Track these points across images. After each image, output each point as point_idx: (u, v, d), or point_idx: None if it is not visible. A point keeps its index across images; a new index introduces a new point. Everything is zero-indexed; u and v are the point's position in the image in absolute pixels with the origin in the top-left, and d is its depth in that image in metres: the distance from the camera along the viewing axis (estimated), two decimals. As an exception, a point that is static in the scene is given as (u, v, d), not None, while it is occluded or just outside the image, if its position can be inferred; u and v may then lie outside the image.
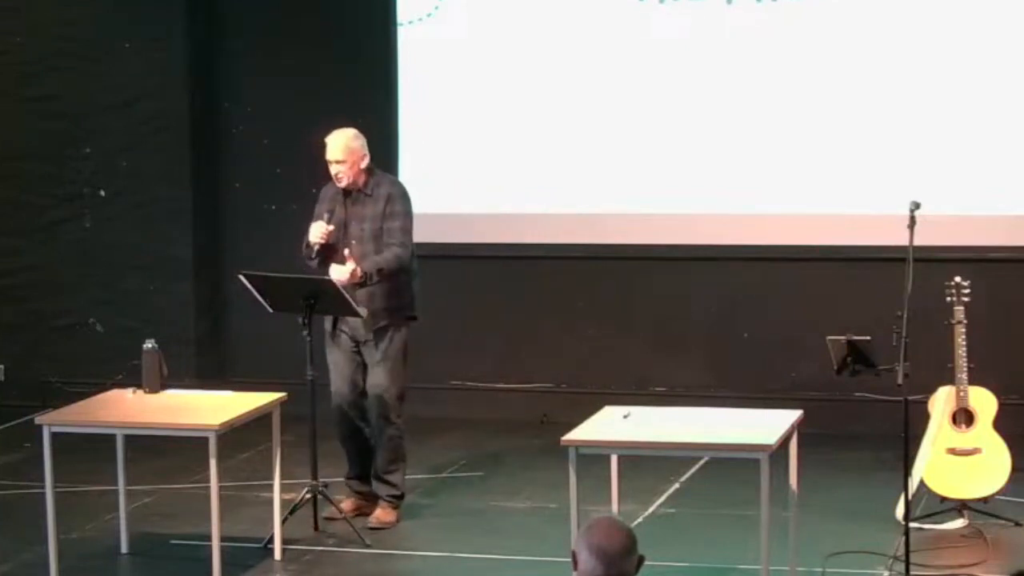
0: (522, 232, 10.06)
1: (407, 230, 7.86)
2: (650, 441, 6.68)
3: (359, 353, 7.94)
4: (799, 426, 6.85)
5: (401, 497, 8.05)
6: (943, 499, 7.74)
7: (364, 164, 7.86)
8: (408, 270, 7.92)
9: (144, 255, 10.59)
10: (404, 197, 7.92)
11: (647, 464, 8.15)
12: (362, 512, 8.02)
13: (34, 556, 7.43)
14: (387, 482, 8.00)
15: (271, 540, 7.49)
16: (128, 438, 7.66)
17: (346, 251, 7.76)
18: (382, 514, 7.96)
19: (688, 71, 9.79)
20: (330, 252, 7.84)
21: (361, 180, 7.86)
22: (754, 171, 9.74)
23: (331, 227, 7.79)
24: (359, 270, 7.71)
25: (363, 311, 7.79)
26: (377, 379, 7.89)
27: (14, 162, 10.72)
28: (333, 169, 7.84)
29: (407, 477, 8.17)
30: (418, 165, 10.09)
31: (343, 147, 7.82)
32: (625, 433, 6.71)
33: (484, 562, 7.47)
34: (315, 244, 7.80)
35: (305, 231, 7.95)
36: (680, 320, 10.00)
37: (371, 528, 7.84)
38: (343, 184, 7.84)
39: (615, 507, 6.89)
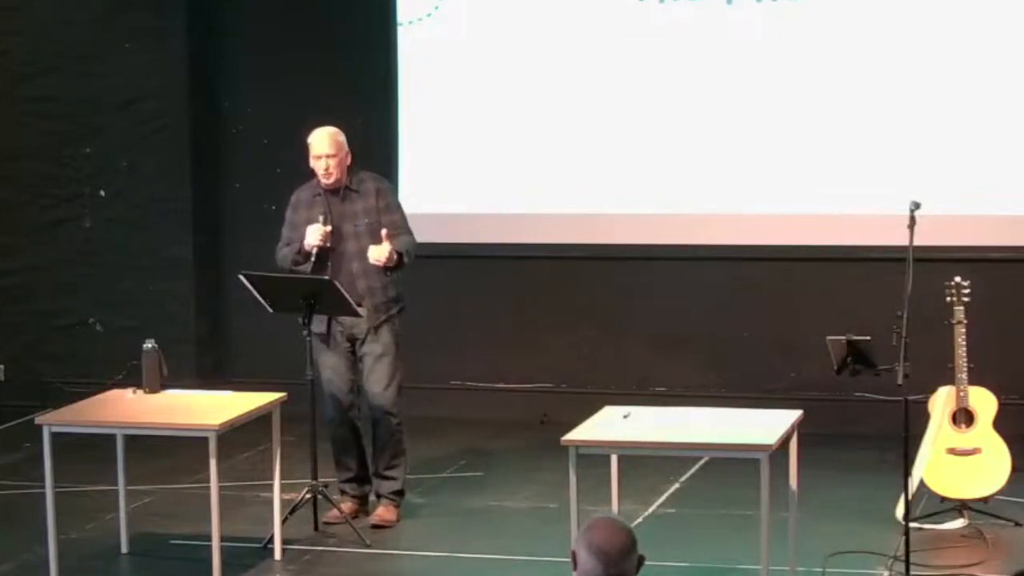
0: (522, 232, 10.05)
1: (405, 219, 7.94)
2: (650, 441, 6.68)
3: (353, 352, 7.94)
4: (799, 426, 6.85)
5: (402, 493, 8.04)
6: (943, 499, 7.74)
7: (348, 160, 7.89)
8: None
9: (144, 255, 10.59)
10: (393, 191, 8.03)
11: (647, 464, 8.15)
12: (359, 516, 8.00)
13: (34, 556, 7.43)
14: (389, 478, 7.99)
15: (271, 540, 7.48)
16: (128, 438, 7.67)
17: (383, 231, 7.74)
18: (384, 512, 7.96)
19: (688, 71, 9.79)
20: (323, 254, 7.82)
21: (344, 177, 7.87)
22: (754, 171, 9.74)
23: (328, 228, 7.79)
24: (393, 253, 7.72)
25: (363, 311, 7.80)
26: (379, 375, 7.89)
27: (14, 162, 10.72)
28: (323, 164, 7.83)
29: (407, 476, 8.18)
30: (418, 165, 10.09)
31: (332, 141, 7.85)
32: (625, 433, 6.70)
33: (484, 562, 7.47)
34: (312, 247, 7.79)
35: (278, 238, 7.96)
36: (680, 320, 10.00)
37: (374, 526, 7.84)
38: (331, 180, 7.83)
39: (615, 507, 6.89)
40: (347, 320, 7.85)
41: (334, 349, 7.94)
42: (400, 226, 7.87)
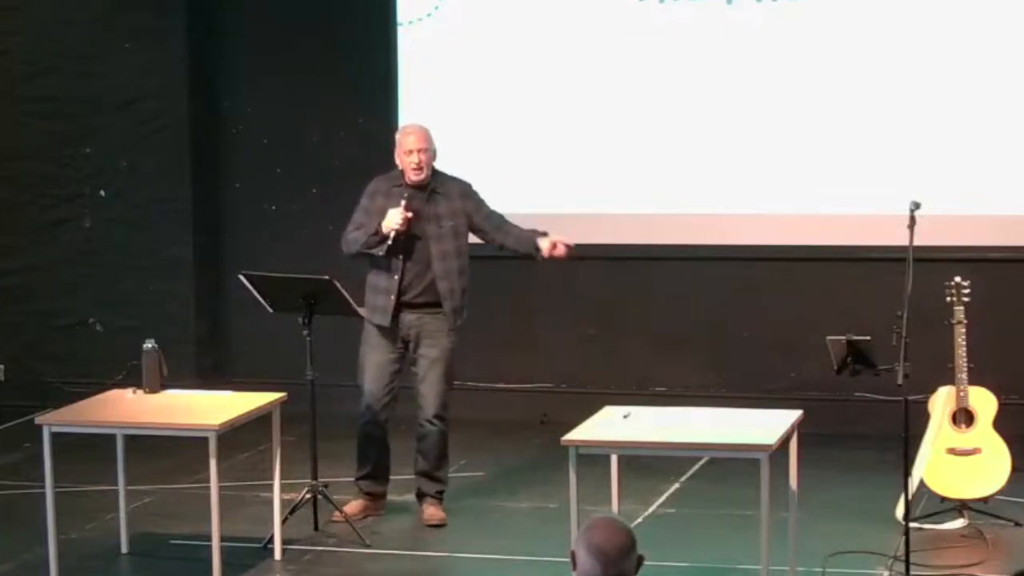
0: (522, 232, 10.04)
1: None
2: (650, 441, 6.68)
3: (404, 354, 7.94)
4: (799, 426, 6.85)
5: (444, 491, 8.10)
6: (943, 499, 7.74)
7: (435, 159, 7.92)
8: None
9: (144, 255, 10.59)
10: (473, 187, 8.06)
11: (647, 464, 8.15)
12: (369, 513, 8.02)
13: (34, 556, 7.43)
14: (438, 479, 8.03)
15: (271, 540, 7.48)
16: (128, 438, 7.66)
17: (548, 244, 7.94)
18: (436, 512, 7.97)
19: (687, 71, 9.79)
20: (397, 243, 7.78)
21: (429, 176, 7.88)
22: (754, 171, 9.74)
23: (409, 214, 7.77)
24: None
25: (363, 311, 7.80)
26: (433, 379, 7.90)
27: (14, 162, 10.72)
28: (415, 159, 7.84)
29: (403, 476, 8.18)
30: (418, 165, 10.07)
31: (426, 136, 7.92)
32: (625, 433, 6.70)
33: (484, 562, 7.48)
34: (391, 230, 7.75)
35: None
36: (680, 320, 10.00)
37: (430, 526, 7.88)
38: (422, 176, 7.85)
39: (615, 507, 6.89)
40: (408, 319, 7.85)
41: (386, 347, 7.92)
42: (500, 216, 8.00)
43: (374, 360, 7.95)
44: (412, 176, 7.86)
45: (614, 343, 10.10)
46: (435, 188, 7.91)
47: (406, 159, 7.87)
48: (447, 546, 7.69)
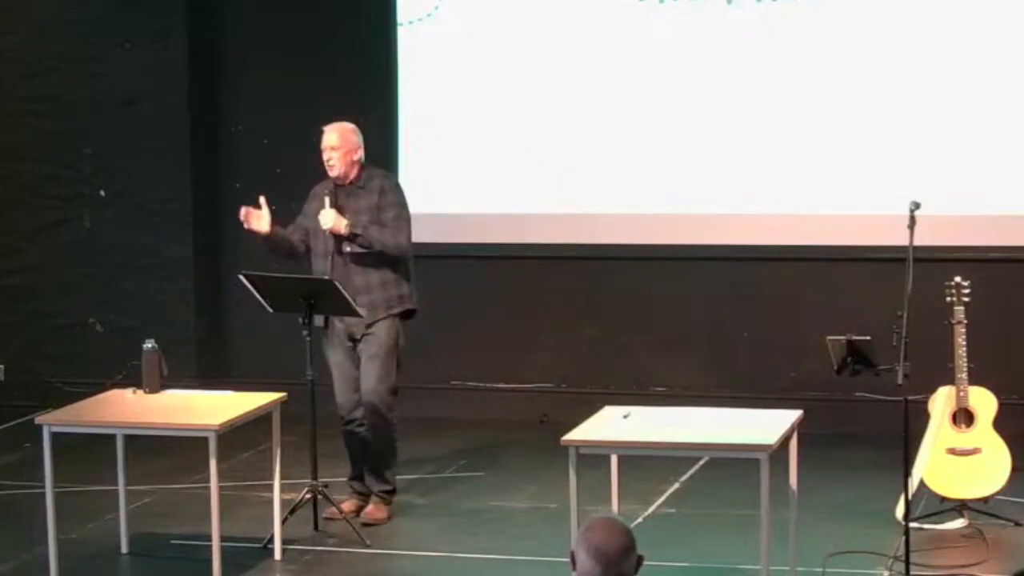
0: (522, 232, 10.05)
1: (403, 219, 7.91)
2: (650, 441, 6.68)
3: (355, 349, 7.95)
4: (799, 426, 6.85)
5: (393, 492, 8.05)
6: (943, 499, 7.74)
7: (357, 157, 7.91)
8: (405, 261, 7.93)
9: (144, 255, 10.60)
10: (397, 188, 8.00)
11: (647, 464, 8.14)
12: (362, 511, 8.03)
13: (34, 556, 7.43)
14: (379, 477, 8.00)
15: (271, 540, 7.48)
16: (128, 438, 7.66)
17: (326, 199, 7.81)
18: (374, 510, 7.97)
19: (688, 71, 9.80)
20: (322, 237, 7.84)
21: (353, 173, 7.90)
22: (754, 171, 9.74)
23: (261, 208, 7.84)
24: (344, 226, 7.74)
25: (363, 312, 7.80)
26: (371, 374, 7.89)
27: (14, 162, 10.72)
28: (326, 156, 7.90)
29: (403, 476, 8.18)
30: (418, 165, 10.09)
31: (339, 135, 7.90)
32: (625, 433, 6.70)
33: (484, 562, 7.47)
34: (328, 231, 7.80)
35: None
36: (680, 320, 10.00)
37: (364, 524, 7.84)
38: (334, 172, 7.88)
39: (615, 507, 6.89)
40: (346, 319, 7.85)
41: (337, 346, 7.95)
42: (388, 222, 7.86)
43: (335, 361, 7.99)
44: (329, 172, 7.91)
45: (614, 343, 10.09)
46: (358, 184, 7.92)
47: (323, 156, 7.93)
48: (447, 546, 7.68)
